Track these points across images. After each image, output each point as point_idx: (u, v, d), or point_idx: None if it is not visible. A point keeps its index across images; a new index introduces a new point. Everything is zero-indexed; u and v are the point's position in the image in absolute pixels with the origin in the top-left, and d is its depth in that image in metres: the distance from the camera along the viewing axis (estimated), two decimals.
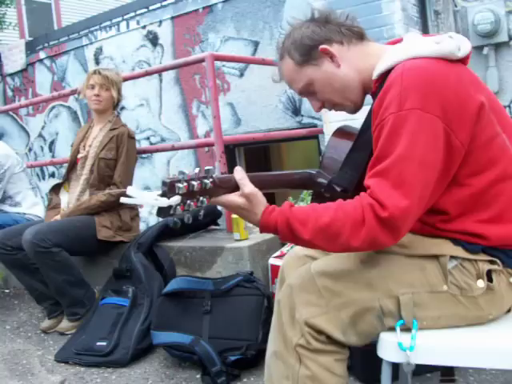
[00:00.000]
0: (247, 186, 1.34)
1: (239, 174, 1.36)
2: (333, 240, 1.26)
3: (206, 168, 1.31)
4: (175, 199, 1.21)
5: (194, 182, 1.24)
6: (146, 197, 1.23)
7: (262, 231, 1.37)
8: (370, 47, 1.47)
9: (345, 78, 1.45)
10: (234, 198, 1.35)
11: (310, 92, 1.51)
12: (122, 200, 1.26)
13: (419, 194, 1.22)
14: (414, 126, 1.22)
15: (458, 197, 1.32)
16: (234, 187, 1.35)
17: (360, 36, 1.47)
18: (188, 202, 1.24)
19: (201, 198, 1.27)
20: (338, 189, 1.47)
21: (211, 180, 1.29)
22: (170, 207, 1.21)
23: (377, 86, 1.39)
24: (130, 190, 1.24)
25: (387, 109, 1.26)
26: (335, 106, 1.53)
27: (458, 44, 1.32)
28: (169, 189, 1.21)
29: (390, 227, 1.21)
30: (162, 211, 1.22)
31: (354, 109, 1.52)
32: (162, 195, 1.21)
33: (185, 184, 1.22)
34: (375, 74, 1.39)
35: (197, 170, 1.28)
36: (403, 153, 1.22)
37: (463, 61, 1.35)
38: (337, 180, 1.50)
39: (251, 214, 1.36)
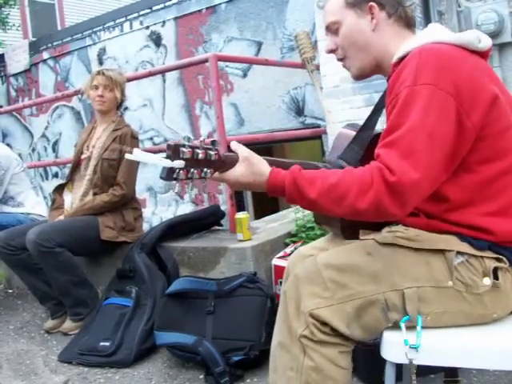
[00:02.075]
0: (244, 150, 1.37)
1: (234, 144, 1.39)
2: (339, 201, 1.25)
3: (212, 140, 1.32)
4: (178, 162, 1.21)
5: (198, 151, 1.24)
6: (149, 157, 1.24)
7: (269, 191, 1.37)
8: (408, 36, 1.49)
9: (370, 41, 1.49)
10: (235, 168, 1.35)
11: (334, 31, 1.54)
12: (127, 156, 1.27)
13: (427, 165, 1.22)
14: (425, 100, 1.24)
15: (465, 183, 1.32)
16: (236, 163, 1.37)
17: (407, 23, 1.51)
18: (192, 169, 1.24)
19: (205, 169, 1.28)
20: (344, 163, 1.49)
21: (216, 152, 1.29)
22: (173, 171, 1.21)
23: (394, 69, 1.40)
24: (135, 151, 1.25)
25: (402, 83, 1.29)
26: (344, 59, 1.56)
27: (478, 36, 1.36)
28: (173, 152, 1.21)
29: (396, 193, 1.20)
30: (165, 174, 1.21)
31: (357, 74, 1.56)
32: (166, 158, 1.21)
33: (189, 149, 1.22)
34: (395, 58, 1.42)
35: (202, 138, 1.29)
36: (413, 124, 1.23)
37: (483, 56, 1.38)
38: (343, 155, 1.53)
39: (257, 176, 1.36)
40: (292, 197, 1.33)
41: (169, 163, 1.20)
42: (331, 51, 1.57)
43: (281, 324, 1.45)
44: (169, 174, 1.21)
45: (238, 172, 1.35)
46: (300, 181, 1.30)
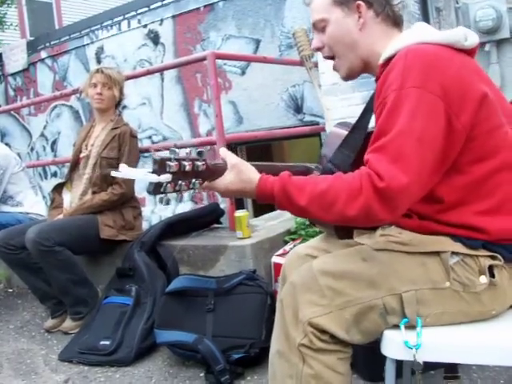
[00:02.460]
0: (233, 158, 1.36)
1: (223, 151, 1.39)
2: (328, 208, 1.25)
3: (198, 150, 1.29)
4: (165, 177, 1.19)
5: (185, 163, 1.22)
6: (136, 173, 1.23)
7: (259, 198, 1.36)
8: (395, 35, 1.48)
9: (357, 41, 1.48)
10: (224, 176, 1.35)
11: (321, 28, 1.52)
12: (113, 173, 1.26)
13: (416, 169, 1.22)
14: (413, 104, 1.23)
15: (457, 183, 1.32)
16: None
17: (395, 22, 1.50)
18: (179, 182, 1.23)
19: (193, 180, 1.26)
20: (333, 167, 1.48)
21: (203, 163, 1.27)
22: (160, 185, 1.20)
23: (382, 70, 1.39)
24: (121, 168, 1.25)
25: (390, 86, 1.28)
26: (333, 59, 1.54)
27: (465, 34, 1.35)
28: (159, 166, 1.19)
29: (385, 199, 1.20)
30: (152, 189, 1.20)
31: (347, 74, 1.55)
32: (153, 173, 1.19)
33: (175, 163, 1.20)
34: (382, 59, 1.42)
35: (188, 150, 1.26)
36: (402, 128, 1.23)
37: (470, 53, 1.38)
38: (332, 158, 1.52)
39: (246, 184, 1.35)
40: (281, 204, 1.32)
41: (155, 178, 1.18)
42: (318, 49, 1.56)
43: (278, 332, 1.45)
44: (156, 189, 1.20)
45: (227, 180, 1.34)
46: (289, 187, 1.29)
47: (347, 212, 1.23)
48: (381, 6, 1.47)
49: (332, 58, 1.55)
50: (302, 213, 1.33)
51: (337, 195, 1.23)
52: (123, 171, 1.24)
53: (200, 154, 1.29)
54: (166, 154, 1.22)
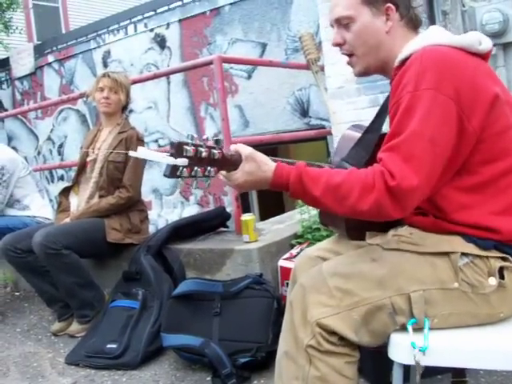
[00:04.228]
0: (246, 148, 1.38)
1: (233, 146, 1.40)
2: (341, 200, 1.28)
3: (216, 138, 1.32)
4: (182, 160, 1.22)
5: (202, 149, 1.26)
6: (153, 154, 1.26)
7: (273, 185, 1.38)
8: (413, 38, 1.47)
9: (382, 43, 1.47)
10: (242, 167, 1.37)
11: (344, 25, 1.49)
12: (131, 153, 1.30)
13: (427, 170, 1.25)
14: (427, 105, 1.26)
15: (468, 184, 1.34)
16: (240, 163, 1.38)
17: (415, 25, 1.50)
18: (195, 168, 1.25)
19: (208, 168, 1.28)
20: (348, 166, 1.49)
21: (219, 151, 1.30)
22: (176, 168, 1.23)
23: (396, 72, 1.40)
24: (140, 149, 1.28)
25: (405, 87, 1.30)
26: (351, 55, 1.52)
27: (479, 38, 1.37)
28: (176, 150, 1.22)
29: (396, 197, 1.23)
30: (168, 171, 1.23)
31: (362, 72, 1.54)
32: (170, 156, 1.22)
33: (192, 147, 1.24)
34: (397, 61, 1.43)
35: (205, 136, 1.30)
36: (415, 129, 1.25)
37: (483, 57, 1.39)
38: (347, 158, 1.54)
39: (261, 172, 1.37)
40: (295, 192, 1.35)
41: (172, 161, 1.21)
42: (337, 45, 1.53)
43: (287, 333, 1.45)
44: (172, 172, 1.23)
45: (245, 169, 1.36)
46: (305, 177, 1.32)
47: (359, 206, 1.26)
48: (405, 9, 1.47)
49: (350, 55, 1.53)
50: (315, 203, 1.36)
51: (351, 189, 1.26)
52: (141, 152, 1.26)
53: (217, 142, 1.32)
54: (184, 138, 1.25)
